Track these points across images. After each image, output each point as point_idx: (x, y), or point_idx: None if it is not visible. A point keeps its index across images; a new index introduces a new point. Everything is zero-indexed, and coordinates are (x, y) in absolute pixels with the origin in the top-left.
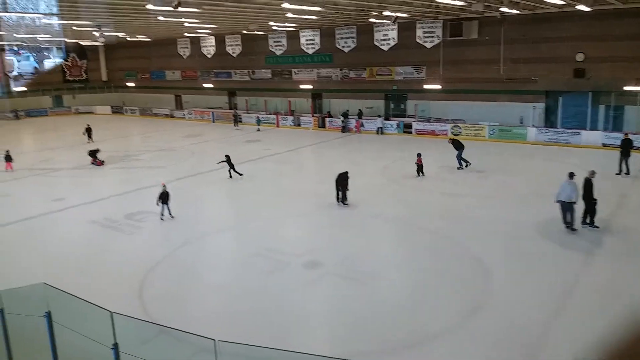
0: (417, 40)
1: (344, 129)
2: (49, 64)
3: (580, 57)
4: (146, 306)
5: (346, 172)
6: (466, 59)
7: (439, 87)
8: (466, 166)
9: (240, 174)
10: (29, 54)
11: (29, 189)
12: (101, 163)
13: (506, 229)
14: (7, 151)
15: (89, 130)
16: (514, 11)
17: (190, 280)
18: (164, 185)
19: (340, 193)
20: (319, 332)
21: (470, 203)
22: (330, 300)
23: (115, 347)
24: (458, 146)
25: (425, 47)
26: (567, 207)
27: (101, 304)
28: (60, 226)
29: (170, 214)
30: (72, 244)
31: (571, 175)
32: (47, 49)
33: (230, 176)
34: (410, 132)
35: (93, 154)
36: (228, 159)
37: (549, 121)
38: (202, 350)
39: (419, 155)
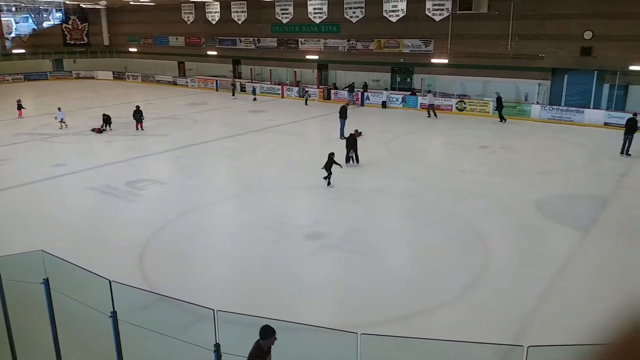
0: (427, 13)
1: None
2: (48, 26)
3: (588, 34)
4: (146, 274)
5: (354, 135)
6: (474, 34)
7: (445, 61)
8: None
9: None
10: (27, 15)
11: (29, 153)
12: (100, 131)
13: (510, 205)
14: (19, 100)
15: (137, 111)
16: None
17: (191, 249)
18: None
19: (351, 154)
20: (321, 302)
21: (476, 179)
22: (332, 271)
23: (114, 314)
24: (342, 115)
25: (434, 20)
26: None
27: (100, 272)
28: (59, 192)
29: None
30: (71, 211)
31: None
32: (46, 10)
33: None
34: (415, 107)
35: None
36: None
37: (554, 99)
38: (201, 319)
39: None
